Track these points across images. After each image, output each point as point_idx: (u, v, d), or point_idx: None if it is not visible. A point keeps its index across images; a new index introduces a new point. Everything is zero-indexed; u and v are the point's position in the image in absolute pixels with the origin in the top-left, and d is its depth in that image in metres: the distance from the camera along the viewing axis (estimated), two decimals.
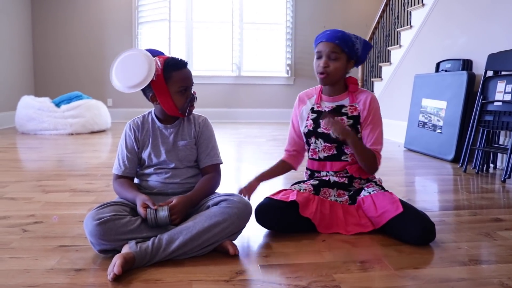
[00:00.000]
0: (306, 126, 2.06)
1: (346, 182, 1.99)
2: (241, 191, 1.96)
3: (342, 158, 2.00)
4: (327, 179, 2.00)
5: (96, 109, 6.11)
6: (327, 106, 2.04)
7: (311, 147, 2.05)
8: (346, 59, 1.97)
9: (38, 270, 1.47)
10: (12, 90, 6.79)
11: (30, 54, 7.52)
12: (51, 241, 1.75)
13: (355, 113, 2.00)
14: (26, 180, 2.91)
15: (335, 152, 2.00)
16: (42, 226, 1.95)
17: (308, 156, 2.10)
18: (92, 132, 5.99)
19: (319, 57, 1.98)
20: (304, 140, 2.10)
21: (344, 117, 1.99)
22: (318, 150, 2.03)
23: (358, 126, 1.99)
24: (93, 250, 1.59)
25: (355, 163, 2.00)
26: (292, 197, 1.84)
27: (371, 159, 1.95)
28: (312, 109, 2.07)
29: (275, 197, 1.89)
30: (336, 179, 2.00)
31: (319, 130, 2.01)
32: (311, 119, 2.05)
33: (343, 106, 2.02)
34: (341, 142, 1.96)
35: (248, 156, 4.33)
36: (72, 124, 5.77)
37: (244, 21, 8.07)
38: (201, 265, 1.52)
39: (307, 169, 2.12)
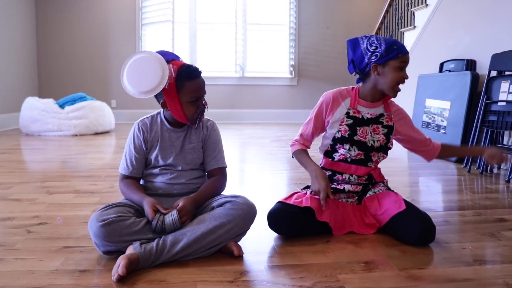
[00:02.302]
0: (340, 131, 1.94)
1: (359, 190, 1.99)
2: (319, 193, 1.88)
3: (368, 164, 1.97)
4: (341, 188, 1.97)
5: (100, 110, 6.12)
6: (369, 113, 1.96)
7: (341, 152, 1.96)
8: None
9: (43, 271, 1.48)
10: (16, 91, 6.82)
11: (34, 55, 7.54)
12: (55, 242, 1.76)
13: (390, 123, 1.96)
14: (30, 182, 2.92)
15: (363, 158, 1.96)
16: (47, 227, 1.95)
17: (332, 158, 2.00)
18: (96, 133, 6.00)
19: (402, 68, 1.89)
20: (330, 143, 1.99)
21: (380, 126, 1.95)
22: (349, 155, 1.95)
23: (390, 135, 1.96)
24: (97, 251, 1.59)
25: (376, 169, 2.02)
26: (306, 202, 1.82)
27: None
28: (347, 113, 1.95)
29: (287, 202, 1.87)
30: (350, 188, 1.97)
31: (355, 138, 1.93)
32: (346, 124, 1.94)
33: (382, 115, 1.97)
34: (370, 149, 1.94)
35: (252, 157, 4.33)
36: (76, 125, 5.79)
37: (247, 22, 8.07)
38: (206, 266, 1.53)
39: (326, 169, 2.04)
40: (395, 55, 1.84)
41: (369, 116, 1.94)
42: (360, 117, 1.94)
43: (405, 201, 1.84)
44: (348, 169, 1.98)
